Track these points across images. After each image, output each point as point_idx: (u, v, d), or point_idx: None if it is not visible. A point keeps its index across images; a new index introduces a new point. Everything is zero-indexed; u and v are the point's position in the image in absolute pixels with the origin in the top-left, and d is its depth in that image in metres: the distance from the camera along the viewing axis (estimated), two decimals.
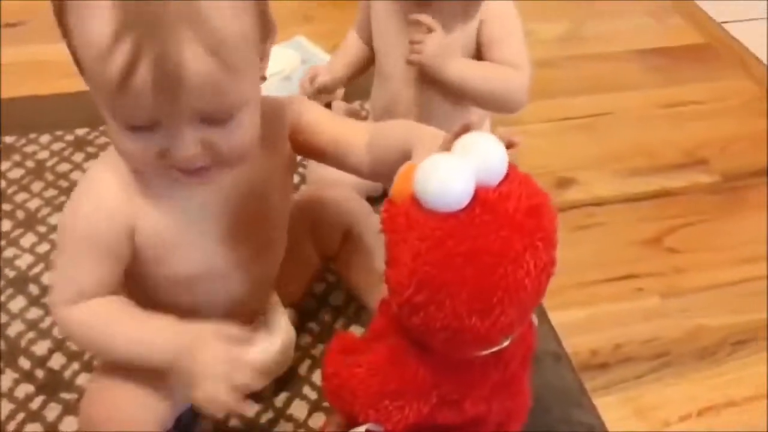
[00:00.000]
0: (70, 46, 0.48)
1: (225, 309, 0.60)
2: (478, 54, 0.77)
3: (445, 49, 0.73)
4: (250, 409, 0.52)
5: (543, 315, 0.77)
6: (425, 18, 0.72)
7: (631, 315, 0.80)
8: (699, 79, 1.17)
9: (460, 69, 0.74)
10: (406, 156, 0.50)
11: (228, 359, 0.50)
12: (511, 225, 0.40)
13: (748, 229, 0.91)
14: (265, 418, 0.67)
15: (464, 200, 0.40)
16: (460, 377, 0.45)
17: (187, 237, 0.55)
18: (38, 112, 1.00)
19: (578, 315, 0.79)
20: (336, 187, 0.74)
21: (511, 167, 0.43)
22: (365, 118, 0.94)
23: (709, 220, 0.92)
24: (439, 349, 0.43)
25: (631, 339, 0.77)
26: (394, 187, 0.43)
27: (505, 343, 0.44)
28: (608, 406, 0.71)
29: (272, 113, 0.57)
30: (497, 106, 0.79)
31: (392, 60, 0.79)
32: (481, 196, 0.40)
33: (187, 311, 0.55)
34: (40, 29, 1.16)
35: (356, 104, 0.99)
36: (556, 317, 0.77)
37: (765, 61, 1.21)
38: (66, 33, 0.47)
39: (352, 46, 0.87)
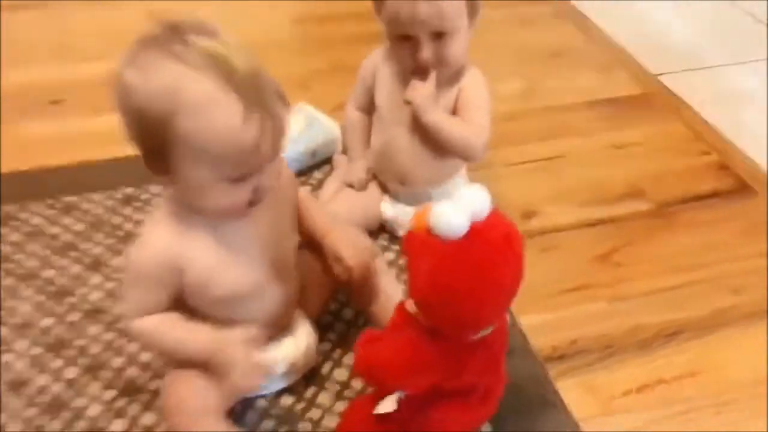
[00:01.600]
0: (166, 165, 0.65)
1: (256, 322, 0.76)
2: (455, 113, 0.98)
3: (431, 99, 0.95)
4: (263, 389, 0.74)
5: (514, 320, 0.97)
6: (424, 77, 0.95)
7: (585, 317, 0.99)
8: (638, 124, 1.37)
9: (436, 117, 0.96)
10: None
11: (247, 355, 0.70)
12: (495, 247, 0.60)
13: (679, 246, 1.11)
14: (299, 407, 0.85)
15: (463, 231, 0.60)
16: (459, 355, 0.64)
17: (229, 264, 0.73)
18: (88, 175, 1.19)
19: (542, 319, 0.97)
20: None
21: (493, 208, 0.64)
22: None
23: (647, 240, 1.12)
24: (445, 333, 0.63)
25: (584, 336, 0.96)
26: (413, 223, 0.63)
27: (490, 330, 0.64)
28: (567, 388, 0.89)
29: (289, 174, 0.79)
30: (457, 152, 1.00)
31: (391, 111, 1.01)
32: (474, 228, 0.60)
33: (225, 324, 0.73)
34: (79, 105, 1.38)
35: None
36: (524, 321, 0.96)
37: (692, 107, 1.44)
38: (164, 167, 0.65)
39: (358, 122, 1.08)
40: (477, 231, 0.60)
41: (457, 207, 0.60)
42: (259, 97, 0.62)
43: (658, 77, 1.53)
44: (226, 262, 0.73)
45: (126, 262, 0.76)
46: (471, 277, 0.59)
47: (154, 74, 0.62)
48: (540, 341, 0.94)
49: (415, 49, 0.94)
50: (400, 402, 0.67)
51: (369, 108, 1.07)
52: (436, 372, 0.64)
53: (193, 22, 0.65)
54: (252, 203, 0.69)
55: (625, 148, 1.32)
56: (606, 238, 1.12)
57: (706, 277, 1.06)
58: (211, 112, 0.62)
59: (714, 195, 1.21)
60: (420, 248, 0.61)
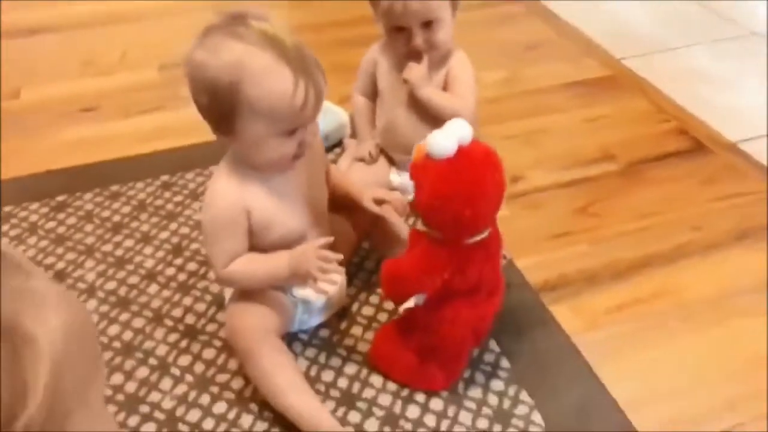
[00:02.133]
0: (231, 125, 0.81)
1: None
2: (445, 89, 1.16)
3: (424, 77, 1.12)
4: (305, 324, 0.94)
5: (511, 262, 1.13)
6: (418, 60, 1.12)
7: (570, 257, 1.15)
8: (607, 101, 1.56)
9: (429, 92, 1.14)
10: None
11: (317, 255, 0.86)
12: (479, 161, 0.78)
13: (645, 197, 1.28)
14: (335, 338, 1.02)
15: (452, 151, 0.77)
16: (463, 255, 0.81)
17: (281, 210, 0.90)
18: (128, 168, 1.36)
19: (534, 260, 1.14)
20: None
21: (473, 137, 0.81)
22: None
23: (618, 194, 1.29)
24: (449, 237, 0.79)
25: (570, 271, 1.12)
26: (415, 154, 0.80)
27: (485, 233, 0.81)
28: (558, 311, 1.05)
29: (319, 139, 0.96)
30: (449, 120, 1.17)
31: (391, 93, 1.18)
32: (460, 149, 0.77)
33: None
34: (111, 112, 1.54)
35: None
36: (520, 263, 1.12)
37: (654, 84, 1.63)
38: (230, 127, 0.81)
39: (364, 107, 1.25)
40: (463, 151, 0.78)
41: (446, 134, 0.78)
42: (304, 67, 0.80)
43: (623, 61, 1.73)
44: (281, 208, 0.89)
45: (203, 221, 0.91)
46: (462, 184, 0.76)
47: (222, 52, 0.79)
48: (534, 277, 1.11)
49: (408, 38, 1.12)
50: (417, 307, 0.84)
51: (372, 94, 1.25)
52: (445, 270, 0.80)
53: (247, 9, 0.82)
54: (297, 156, 0.86)
55: (596, 120, 1.50)
56: (583, 195, 1.30)
57: (669, 219, 1.23)
58: (269, 79, 0.79)
59: (675, 155, 1.40)
60: (422, 170, 0.79)
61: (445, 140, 0.77)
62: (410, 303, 0.82)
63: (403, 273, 0.82)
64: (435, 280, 0.81)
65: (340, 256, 0.87)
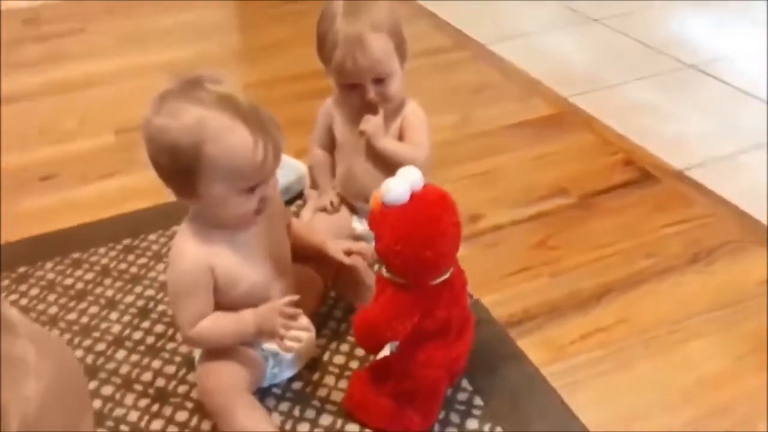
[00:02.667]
0: (193, 187, 0.83)
1: None
2: (400, 138, 1.20)
3: (380, 128, 1.16)
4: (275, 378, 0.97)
5: (477, 299, 1.16)
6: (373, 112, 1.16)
7: (532, 290, 1.18)
8: (556, 138, 1.61)
9: (385, 142, 1.17)
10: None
11: (281, 313, 0.88)
12: (434, 204, 0.81)
13: (600, 228, 1.33)
14: (308, 390, 1.02)
15: (407, 197, 0.80)
16: (429, 297, 0.83)
17: (245, 265, 0.91)
18: (89, 233, 1.35)
19: (498, 296, 1.17)
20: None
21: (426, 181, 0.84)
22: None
23: (573, 226, 1.34)
24: (414, 281, 0.82)
25: (533, 304, 1.15)
26: (371, 204, 0.83)
27: (447, 275, 0.84)
28: (526, 345, 1.08)
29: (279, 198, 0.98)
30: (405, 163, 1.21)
31: (349, 144, 1.22)
32: (414, 195, 0.80)
33: None
34: (70, 178, 1.54)
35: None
36: (485, 299, 1.15)
37: (599, 119, 1.70)
38: (192, 188, 0.83)
39: (322, 158, 1.28)
40: (417, 196, 0.81)
41: (398, 181, 0.81)
42: (261, 124, 0.82)
43: (569, 99, 1.80)
44: (244, 263, 0.91)
45: (168, 282, 0.92)
46: (420, 226, 0.80)
47: (181, 115, 0.82)
48: (499, 312, 1.14)
49: (361, 93, 1.15)
50: (392, 354, 0.86)
51: (329, 146, 1.28)
52: (414, 314, 0.82)
53: (202, 73, 0.84)
54: (258, 211, 0.88)
55: (547, 157, 1.56)
56: (540, 229, 1.34)
57: (624, 248, 1.28)
58: (229, 138, 0.81)
59: (624, 185, 1.45)
60: (380, 219, 0.82)
61: (399, 187, 0.80)
62: (386, 351, 0.84)
63: (374, 322, 0.84)
64: (405, 325, 0.82)
65: (300, 312, 0.90)
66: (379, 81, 1.14)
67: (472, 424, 0.96)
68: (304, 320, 0.91)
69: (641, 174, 1.49)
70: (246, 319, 0.90)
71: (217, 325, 0.90)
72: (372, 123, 1.16)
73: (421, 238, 0.79)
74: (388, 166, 1.18)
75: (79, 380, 0.47)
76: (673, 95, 1.82)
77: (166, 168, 0.84)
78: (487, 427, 0.95)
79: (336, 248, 1.03)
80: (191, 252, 0.88)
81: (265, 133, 0.82)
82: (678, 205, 1.39)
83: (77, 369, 0.47)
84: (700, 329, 1.10)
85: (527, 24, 2.26)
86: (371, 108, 1.17)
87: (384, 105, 1.17)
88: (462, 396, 1.00)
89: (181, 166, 0.82)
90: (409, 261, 0.80)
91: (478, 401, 0.99)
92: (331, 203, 1.26)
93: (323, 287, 1.10)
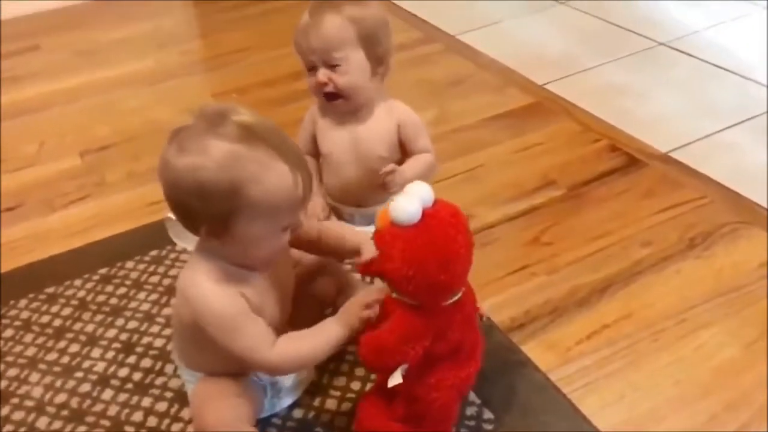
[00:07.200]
0: (227, 228, 0.76)
1: None
2: (402, 146, 1.15)
3: (403, 174, 1.08)
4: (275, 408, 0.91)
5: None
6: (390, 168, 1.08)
7: (530, 291, 1.15)
8: (536, 128, 1.58)
9: (411, 173, 1.09)
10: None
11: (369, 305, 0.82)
12: (446, 222, 0.76)
13: (593, 218, 1.30)
14: (311, 416, 0.97)
15: (418, 215, 0.75)
16: (441, 319, 0.78)
17: (264, 304, 0.85)
18: (62, 265, 1.28)
19: (497, 299, 1.13)
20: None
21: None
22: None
23: (566, 219, 1.30)
24: (425, 302, 0.77)
25: (533, 305, 1.12)
26: (378, 222, 0.78)
27: (459, 295, 0.79)
28: (530, 349, 1.04)
29: None
30: (428, 177, 1.17)
31: (338, 154, 1.17)
32: (425, 212, 0.75)
33: None
34: (36, 207, 1.46)
35: None
36: (484, 305, 1.07)
37: (578, 105, 1.67)
38: (225, 230, 0.76)
39: (310, 167, 1.22)
40: (429, 214, 0.76)
41: (409, 198, 0.76)
42: (292, 154, 0.77)
43: (545, 86, 1.76)
44: (264, 302, 0.85)
45: (212, 331, 0.80)
46: (433, 248, 0.74)
47: (212, 153, 0.74)
48: (499, 317, 1.10)
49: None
50: (403, 376, 0.81)
51: (314, 152, 1.22)
52: (426, 337, 0.78)
53: (221, 106, 0.78)
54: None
55: (530, 149, 1.52)
56: (532, 225, 1.30)
57: (619, 238, 1.25)
58: (271, 176, 0.75)
59: (612, 172, 1.42)
60: (389, 239, 0.76)
61: (410, 206, 0.75)
62: (398, 378, 0.79)
63: (384, 345, 0.79)
64: (417, 349, 0.78)
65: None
66: (331, 67, 1.10)
67: None
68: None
69: (627, 160, 1.46)
70: (328, 326, 0.83)
71: (295, 346, 0.83)
72: (398, 176, 1.08)
73: (435, 263, 0.74)
74: (377, 168, 1.14)
75: None
76: (647, 75, 1.79)
77: (196, 212, 0.77)
78: None
79: (370, 254, 0.87)
80: (217, 286, 0.81)
81: (300, 165, 0.77)
82: (668, 189, 1.36)
83: None
84: (707, 318, 1.07)
85: (495, 11, 2.21)
86: (328, 98, 1.12)
87: (344, 99, 1.12)
88: (471, 410, 0.95)
89: (216, 209, 0.76)
90: (422, 285, 0.75)
91: (488, 414, 0.95)
92: (323, 210, 1.20)
93: (319, 308, 1.05)
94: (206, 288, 0.81)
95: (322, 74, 1.10)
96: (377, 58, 1.13)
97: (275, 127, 0.79)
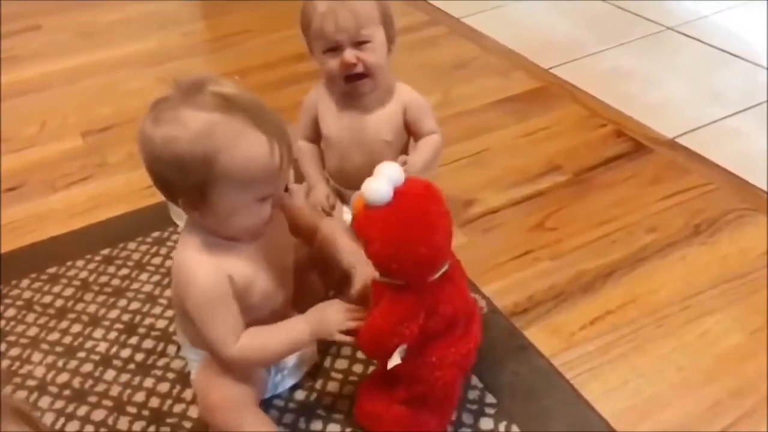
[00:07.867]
0: (204, 199, 0.76)
1: (271, 320, 0.87)
2: (408, 128, 1.13)
3: (415, 164, 1.06)
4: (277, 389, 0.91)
5: (478, 289, 1.11)
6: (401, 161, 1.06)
7: (534, 276, 1.14)
8: (542, 113, 1.57)
9: (422, 161, 1.09)
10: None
11: (343, 309, 0.83)
12: (419, 197, 0.75)
13: (597, 204, 1.29)
14: (312, 399, 0.97)
15: (390, 195, 0.74)
16: (430, 295, 0.78)
17: (257, 276, 0.84)
18: (64, 246, 1.28)
19: (500, 284, 1.13)
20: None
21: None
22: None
23: (570, 204, 1.29)
24: (412, 280, 0.76)
25: (537, 290, 1.11)
26: (353, 209, 0.77)
27: (445, 267, 0.79)
28: (533, 334, 1.04)
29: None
30: (438, 158, 1.16)
31: (341, 137, 1.14)
32: (397, 191, 0.75)
33: (252, 323, 0.84)
34: (37, 188, 1.46)
35: None
36: (486, 289, 1.11)
37: (584, 89, 1.65)
38: (203, 201, 0.76)
39: (309, 151, 1.20)
40: (401, 191, 0.75)
41: (378, 178, 0.75)
42: (272, 124, 0.76)
43: (550, 70, 1.75)
44: (255, 271, 0.84)
45: (190, 305, 0.81)
46: (410, 224, 0.74)
47: (187, 124, 0.73)
48: (503, 302, 1.10)
49: (341, 57, 1.08)
50: (402, 358, 0.80)
51: (315, 137, 1.21)
52: (418, 314, 0.77)
53: (201, 76, 0.77)
54: (270, 220, 0.81)
55: (536, 133, 1.51)
56: (536, 210, 1.29)
57: (624, 224, 1.24)
58: (244, 145, 0.74)
59: (617, 158, 1.41)
60: (366, 222, 0.76)
61: (380, 186, 0.74)
62: (396, 359, 0.78)
63: (379, 330, 0.78)
64: (412, 328, 0.77)
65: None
66: (360, 44, 1.07)
67: (486, 423, 0.92)
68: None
69: (633, 145, 1.45)
70: (299, 327, 0.84)
71: (263, 338, 0.83)
72: (411, 166, 1.06)
73: (413, 236, 0.74)
74: (381, 149, 1.13)
75: None
76: (654, 60, 1.78)
77: (173, 181, 0.77)
78: (502, 426, 0.91)
79: (362, 278, 0.90)
80: (204, 264, 0.80)
81: (279, 135, 0.76)
82: (674, 175, 1.35)
83: None
84: (711, 304, 1.07)
85: None
86: (352, 79, 1.09)
87: (369, 78, 1.09)
88: (473, 394, 0.95)
89: (192, 180, 0.75)
90: (405, 261, 0.75)
91: (490, 399, 0.95)
92: (327, 198, 1.19)
93: (324, 291, 1.04)
94: (191, 267, 0.81)
95: (350, 54, 1.06)
96: (390, 38, 1.11)
97: (256, 98, 0.78)
